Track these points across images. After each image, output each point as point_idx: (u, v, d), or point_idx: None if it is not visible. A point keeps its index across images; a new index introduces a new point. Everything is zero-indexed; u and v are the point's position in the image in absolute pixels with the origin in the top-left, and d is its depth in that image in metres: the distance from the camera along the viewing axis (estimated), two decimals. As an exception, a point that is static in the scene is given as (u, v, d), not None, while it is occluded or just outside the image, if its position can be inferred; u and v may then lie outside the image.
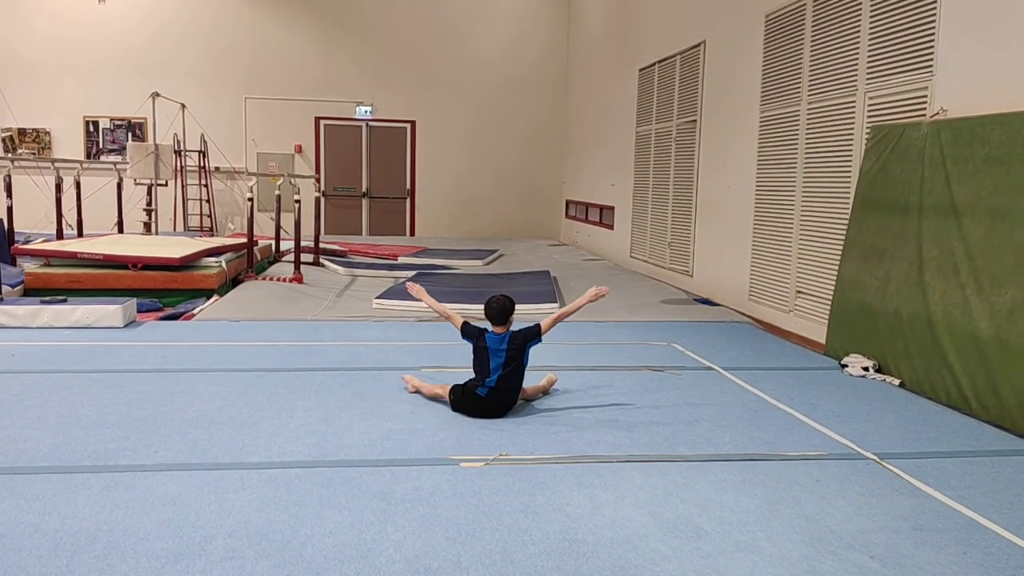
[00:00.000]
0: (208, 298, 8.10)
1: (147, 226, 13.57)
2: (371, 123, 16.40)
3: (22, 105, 15.14)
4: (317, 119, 16.21)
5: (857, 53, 6.36)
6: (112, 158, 14.77)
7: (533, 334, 4.50)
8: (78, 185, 10.94)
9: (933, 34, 5.50)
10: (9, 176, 9.82)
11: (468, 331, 4.58)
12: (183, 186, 15.06)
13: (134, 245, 9.30)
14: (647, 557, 2.83)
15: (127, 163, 13.33)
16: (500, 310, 4.50)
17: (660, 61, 10.93)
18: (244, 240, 9.96)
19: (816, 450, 4.00)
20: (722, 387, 5.19)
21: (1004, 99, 4.81)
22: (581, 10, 15.84)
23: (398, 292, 8.35)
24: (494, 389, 4.37)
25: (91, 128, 15.63)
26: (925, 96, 5.57)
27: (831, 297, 6.28)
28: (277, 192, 10.20)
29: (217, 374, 5.21)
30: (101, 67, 15.37)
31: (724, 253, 8.78)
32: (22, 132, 15.39)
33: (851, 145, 6.40)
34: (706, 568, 2.77)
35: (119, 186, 11.93)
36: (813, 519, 3.18)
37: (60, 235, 10.52)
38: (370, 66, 16.18)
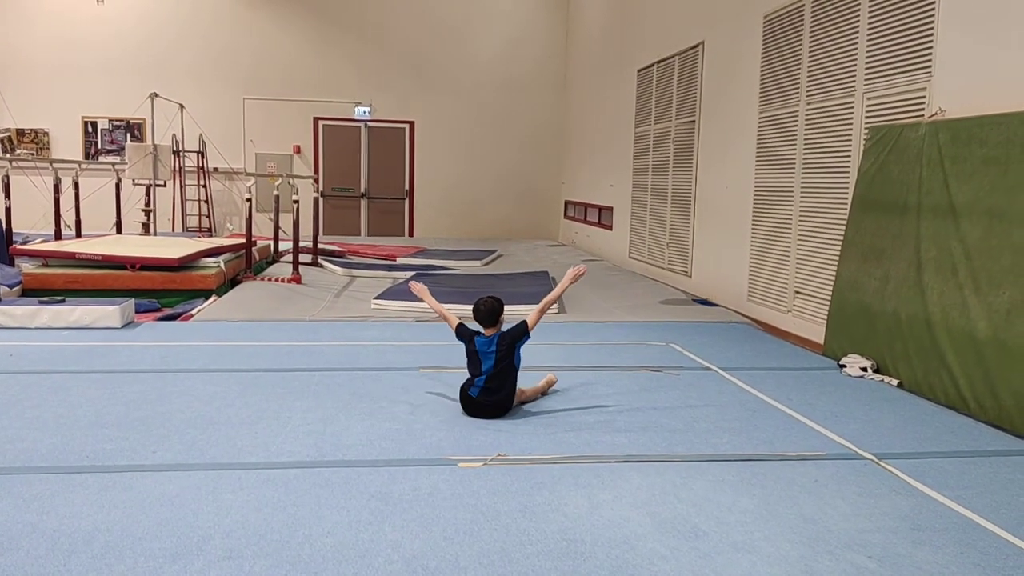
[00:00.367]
0: (206, 299, 8.10)
1: (145, 227, 13.57)
2: (370, 124, 16.40)
3: (20, 105, 15.12)
4: (316, 119, 16.21)
5: (855, 54, 6.36)
6: (110, 158, 14.76)
7: (521, 332, 4.49)
8: (76, 185, 10.94)
9: (932, 35, 5.51)
10: (7, 176, 9.81)
11: (461, 333, 4.59)
12: (181, 187, 15.05)
13: (132, 246, 9.30)
14: (645, 557, 2.83)
15: (125, 164, 13.34)
16: (488, 312, 4.49)
17: (659, 62, 10.94)
18: (242, 240, 9.96)
19: (814, 450, 4.00)
20: (720, 387, 5.20)
21: (1002, 99, 4.82)
22: (580, 11, 15.85)
23: (397, 292, 8.35)
24: (484, 390, 4.38)
25: (89, 128, 15.63)
26: (923, 97, 5.57)
27: (829, 297, 6.29)
28: (275, 192, 10.20)
29: (215, 374, 5.20)
30: (99, 67, 15.35)
31: (723, 254, 8.78)
32: (20, 132, 15.38)
33: (849, 145, 6.41)
34: (704, 568, 2.77)
35: (117, 187, 11.93)
36: (811, 519, 3.18)
37: (58, 235, 10.51)
38: (369, 67, 16.18)
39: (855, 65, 6.36)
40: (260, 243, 10.76)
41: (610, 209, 13.29)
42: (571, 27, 16.50)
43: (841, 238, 6.19)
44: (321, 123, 16.25)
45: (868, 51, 6.20)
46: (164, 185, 14.29)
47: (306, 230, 10.90)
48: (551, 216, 17.17)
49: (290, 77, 15.92)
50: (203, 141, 15.09)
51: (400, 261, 11.70)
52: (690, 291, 9.38)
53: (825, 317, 6.33)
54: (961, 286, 4.83)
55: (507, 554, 2.82)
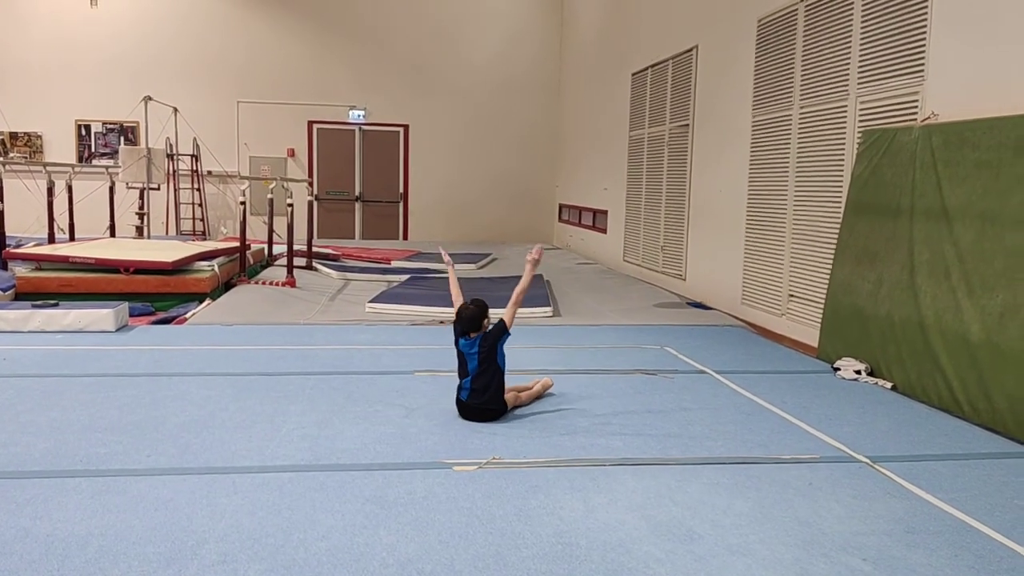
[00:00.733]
0: (201, 302, 8.08)
1: (139, 230, 13.54)
2: (364, 127, 16.39)
3: (13, 109, 15.07)
4: (310, 123, 16.20)
5: (849, 58, 6.38)
6: (104, 162, 14.72)
7: (500, 331, 4.48)
8: (70, 189, 10.92)
9: (924, 39, 5.53)
10: (0, 180, 9.78)
11: (454, 329, 4.58)
12: (175, 190, 15.04)
13: (126, 249, 9.27)
14: (640, 560, 2.83)
15: (119, 167, 13.30)
16: (471, 320, 4.46)
17: (653, 65, 10.96)
18: (237, 244, 9.94)
19: (809, 453, 4.01)
20: (715, 391, 5.20)
21: (994, 103, 4.84)
22: (574, 14, 15.87)
23: (391, 296, 8.36)
24: (472, 392, 4.40)
25: (83, 132, 15.59)
26: (916, 100, 5.60)
27: (823, 301, 6.30)
28: (270, 196, 10.19)
29: (209, 378, 5.19)
30: (93, 71, 15.33)
31: (717, 257, 8.80)
32: (14, 136, 15.34)
33: (843, 149, 6.43)
34: (699, 571, 2.77)
35: (111, 190, 11.92)
36: (806, 522, 3.18)
37: (52, 239, 10.48)
38: (363, 70, 16.18)
39: (848, 69, 6.39)
40: (254, 247, 10.74)
41: (604, 212, 13.31)
42: (565, 31, 16.52)
43: (835, 241, 6.21)
44: (315, 126, 16.24)
45: (861, 55, 6.23)
46: (158, 189, 14.25)
47: (300, 233, 10.89)
48: (546, 219, 17.18)
49: (284, 80, 15.91)
50: (197, 144, 15.06)
51: (394, 264, 11.69)
52: (684, 294, 9.39)
53: (819, 320, 6.35)
54: (954, 289, 4.85)
55: (502, 558, 2.82)
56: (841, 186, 6.37)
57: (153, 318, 7.46)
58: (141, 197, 13.73)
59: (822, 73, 6.76)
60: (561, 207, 16.58)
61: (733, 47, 8.49)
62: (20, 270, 8.46)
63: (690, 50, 9.63)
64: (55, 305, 6.81)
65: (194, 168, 15.15)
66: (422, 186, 16.67)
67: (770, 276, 7.57)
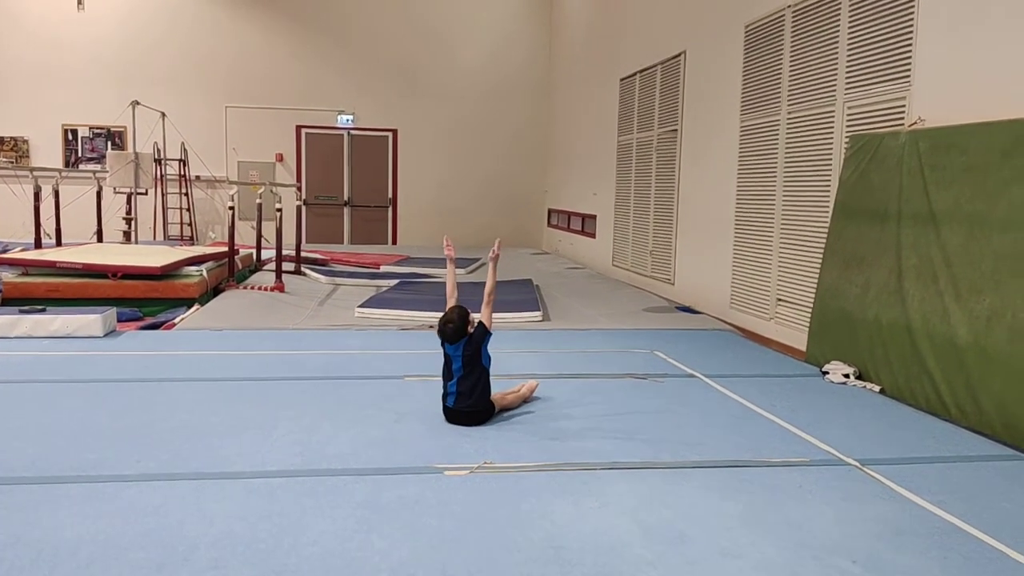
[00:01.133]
0: (189, 307, 8.05)
1: (127, 235, 13.48)
2: (352, 131, 16.38)
3: (0, 113, 14.99)
4: (298, 128, 16.17)
5: (836, 63, 6.43)
6: (91, 167, 14.65)
7: (482, 333, 4.49)
8: (57, 194, 10.85)
9: (911, 45, 5.58)
10: (-13, 185, 9.73)
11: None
12: (163, 195, 14.97)
13: (114, 254, 9.23)
14: (631, 563, 2.84)
15: (106, 172, 13.25)
16: (455, 332, 4.45)
17: (641, 71, 11.00)
18: (225, 249, 9.91)
19: (798, 456, 4.03)
20: (705, 395, 5.22)
21: (981, 108, 4.89)
22: (563, 20, 15.92)
23: (380, 301, 8.35)
24: (458, 396, 4.40)
25: (70, 136, 15.51)
26: (903, 106, 5.64)
27: (811, 305, 6.34)
28: (258, 201, 10.16)
29: (199, 384, 5.18)
30: (80, 75, 15.26)
31: (705, 261, 8.83)
32: (0, 140, 15.24)
33: (830, 154, 6.47)
34: (690, 574, 2.78)
35: (98, 195, 11.86)
36: (796, 524, 3.20)
37: (39, 244, 10.42)
38: (351, 74, 16.17)
39: (836, 74, 6.43)
40: (243, 251, 10.71)
41: (593, 217, 13.34)
42: (554, 36, 16.56)
43: (823, 246, 6.25)
44: (304, 131, 16.21)
45: (848, 60, 6.27)
46: (145, 193, 14.19)
47: (289, 238, 10.86)
48: (535, 224, 17.20)
49: (272, 85, 15.88)
50: (185, 149, 15.01)
51: (383, 269, 11.68)
52: (673, 299, 9.42)
53: (807, 324, 6.38)
54: (942, 293, 4.89)
55: (494, 562, 2.82)
56: (829, 191, 6.41)
57: (141, 323, 7.43)
58: (129, 202, 13.68)
59: (810, 78, 6.81)
60: (550, 212, 16.60)
61: (721, 53, 8.53)
62: (7, 275, 8.40)
63: (678, 55, 9.68)
64: (42, 310, 6.77)
65: (182, 173, 15.09)
66: (411, 191, 16.66)
67: (758, 280, 7.60)
